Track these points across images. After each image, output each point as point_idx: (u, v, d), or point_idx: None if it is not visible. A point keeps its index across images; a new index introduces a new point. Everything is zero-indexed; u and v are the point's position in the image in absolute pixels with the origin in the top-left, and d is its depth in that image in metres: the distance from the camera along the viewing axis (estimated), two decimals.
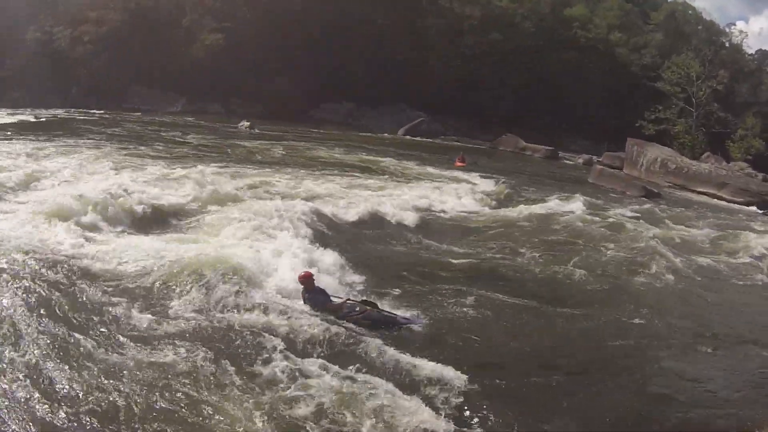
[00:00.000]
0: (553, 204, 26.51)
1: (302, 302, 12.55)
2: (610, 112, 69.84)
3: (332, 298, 12.71)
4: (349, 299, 12.78)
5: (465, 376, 10.02)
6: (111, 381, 9.15)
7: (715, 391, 10.97)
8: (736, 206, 35.51)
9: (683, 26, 79.39)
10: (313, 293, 12.59)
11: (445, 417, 9.02)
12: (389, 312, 12.59)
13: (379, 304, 12.76)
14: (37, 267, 12.69)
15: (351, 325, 11.81)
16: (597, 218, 23.88)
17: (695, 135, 62.94)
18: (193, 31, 65.94)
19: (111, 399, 8.78)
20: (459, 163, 39.12)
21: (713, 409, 10.28)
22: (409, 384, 9.82)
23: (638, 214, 26.57)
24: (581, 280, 16.36)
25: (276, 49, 64.91)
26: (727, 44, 79.60)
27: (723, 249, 21.66)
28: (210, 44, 64.11)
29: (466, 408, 9.34)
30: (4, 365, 9.30)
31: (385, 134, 58.11)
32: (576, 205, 26.36)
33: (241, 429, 8.47)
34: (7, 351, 9.68)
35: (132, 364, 9.65)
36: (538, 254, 18.74)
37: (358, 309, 12.40)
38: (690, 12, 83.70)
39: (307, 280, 12.66)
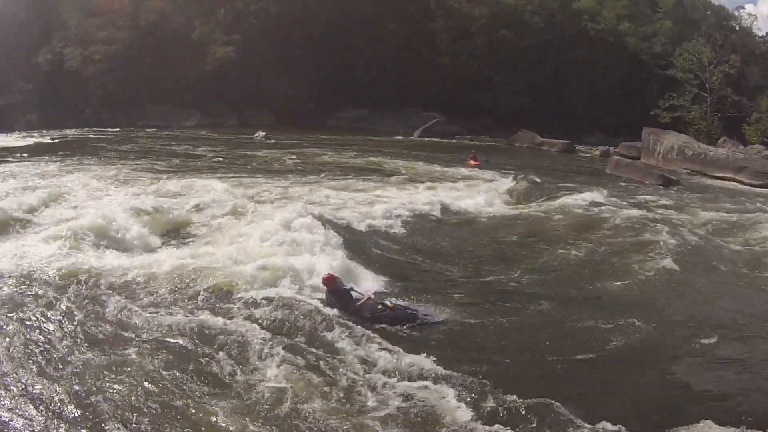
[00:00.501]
0: (569, 198, 26.21)
1: (326, 303, 12.60)
2: (624, 102, 69.73)
3: (354, 295, 12.79)
4: (370, 297, 12.78)
5: (478, 374, 10.00)
6: (104, 383, 9.40)
7: (729, 385, 10.76)
8: (756, 189, 35.13)
9: (692, 12, 79.17)
10: (336, 294, 12.67)
11: (456, 411, 9.07)
12: (410, 308, 12.64)
13: (397, 301, 12.87)
14: (42, 280, 13.06)
15: (367, 323, 11.89)
16: (614, 209, 23.66)
17: (710, 120, 62.63)
18: (203, 44, 66.35)
19: (112, 401, 8.99)
20: (473, 162, 38.61)
21: (726, 402, 10.10)
22: (423, 380, 9.84)
23: (655, 203, 26.41)
24: (600, 273, 16.24)
25: (287, 58, 65.31)
26: (737, 28, 79.38)
27: (740, 234, 21.33)
28: (221, 57, 64.44)
29: (477, 403, 9.32)
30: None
31: (400, 137, 57.88)
32: (593, 197, 26.00)
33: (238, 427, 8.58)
34: (11, 355, 10.07)
35: (131, 368, 9.84)
36: (554, 248, 18.61)
37: (380, 307, 12.44)
38: None
39: (330, 281, 12.77)
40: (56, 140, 46.49)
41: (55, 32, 68.06)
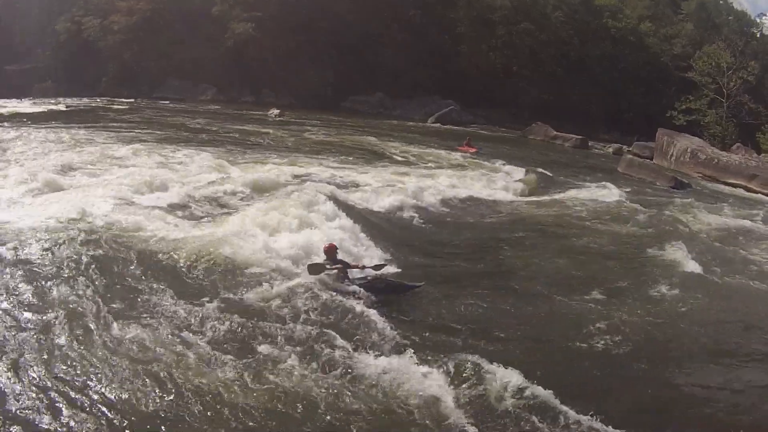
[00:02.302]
0: (578, 193, 26.30)
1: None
2: (641, 102, 69.53)
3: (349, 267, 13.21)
4: (363, 267, 13.32)
5: (464, 356, 10.21)
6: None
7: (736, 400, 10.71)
8: (766, 198, 34.89)
9: (714, 16, 78.72)
10: (333, 263, 12.96)
11: (442, 385, 9.41)
12: (398, 281, 13.21)
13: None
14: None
15: (360, 298, 12.18)
16: (623, 208, 23.70)
17: (726, 126, 62.09)
18: (222, 20, 66.18)
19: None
20: (471, 150, 38.11)
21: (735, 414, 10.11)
22: (409, 352, 10.19)
23: (665, 204, 26.24)
24: (596, 271, 16.29)
25: (306, 40, 65.08)
26: (758, 35, 78.88)
27: (747, 242, 21.11)
28: (240, 33, 64.32)
29: (461, 377, 9.63)
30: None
31: (414, 123, 57.77)
32: (603, 195, 26.05)
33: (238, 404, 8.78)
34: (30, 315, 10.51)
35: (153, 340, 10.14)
36: (556, 243, 18.77)
37: (369, 277, 13.02)
38: (721, 2, 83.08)
39: (330, 251, 13.13)
40: (72, 108, 46.74)
41: (75, 0, 68.07)
